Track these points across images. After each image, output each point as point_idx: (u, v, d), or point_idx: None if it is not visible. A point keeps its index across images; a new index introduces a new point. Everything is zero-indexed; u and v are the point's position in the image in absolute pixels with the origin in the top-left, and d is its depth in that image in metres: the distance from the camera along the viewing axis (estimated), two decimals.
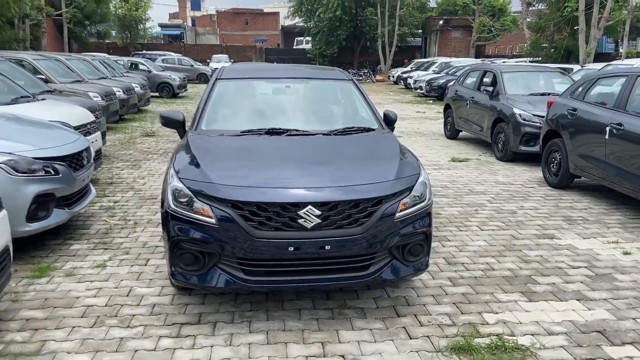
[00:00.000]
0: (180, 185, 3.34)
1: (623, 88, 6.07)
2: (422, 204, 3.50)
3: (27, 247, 4.61)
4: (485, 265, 4.45)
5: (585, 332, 3.36)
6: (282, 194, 3.23)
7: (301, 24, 43.94)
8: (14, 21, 23.41)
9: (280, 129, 4.06)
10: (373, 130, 4.31)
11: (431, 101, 21.23)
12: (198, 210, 3.25)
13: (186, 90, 22.96)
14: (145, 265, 4.38)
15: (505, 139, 9.01)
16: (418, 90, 24.18)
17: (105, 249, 4.73)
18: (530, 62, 25.77)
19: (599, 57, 25.28)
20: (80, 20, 32.70)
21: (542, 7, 30.61)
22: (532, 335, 3.32)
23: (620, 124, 5.79)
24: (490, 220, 5.69)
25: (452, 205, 6.25)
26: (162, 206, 3.50)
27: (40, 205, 4.41)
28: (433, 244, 4.27)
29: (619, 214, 5.97)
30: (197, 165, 3.51)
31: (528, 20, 29.04)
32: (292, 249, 3.20)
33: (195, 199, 3.26)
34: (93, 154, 5.46)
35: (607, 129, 5.96)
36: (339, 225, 3.24)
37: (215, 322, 3.45)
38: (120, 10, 39.81)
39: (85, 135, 6.35)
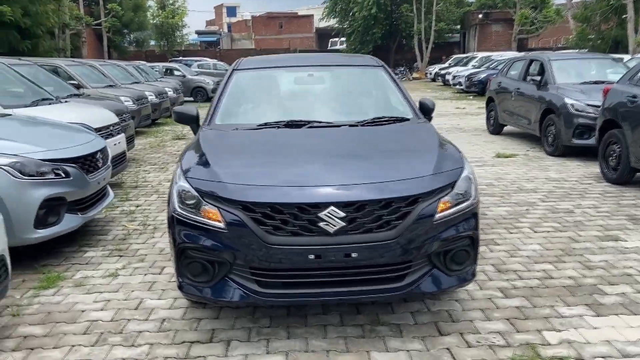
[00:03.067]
0: (186, 185, 2.94)
1: None
2: (467, 203, 2.98)
3: (39, 254, 4.33)
4: (542, 272, 3.87)
5: None
6: (299, 194, 2.78)
7: (336, 25, 43.54)
8: (54, 31, 23.90)
9: (300, 120, 3.61)
10: (407, 120, 3.80)
11: (471, 97, 20.39)
12: (206, 213, 2.84)
13: None
14: (160, 274, 4.01)
15: (556, 132, 8.29)
16: (457, 86, 23.33)
17: (120, 256, 4.40)
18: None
19: None
20: (118, 29, 33.24)
21: None
22: (603, 358, 2.75)
23: None
24: (544, 221, 5.08)
25: (499, 205, 5.65)
26: (167, 212, 3.11)
27: (50, 210, 4.11)
28: (480, 249, 3.72)
29: None
30: (207, 163, 3.10)
31: (573, 10, 27.68)
32: (313, 257, 2.74)
33: (202, 201, 2.85)
34: (110, 155, 5.15)
35: None
36: (367, 229, 2.76)
37: (229, 340, 3.03)
38: (157, 19, 40.35)
39: (107, 137, 6.10)
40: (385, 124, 3.68)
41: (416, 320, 3.21)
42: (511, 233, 4.78)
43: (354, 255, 2.75)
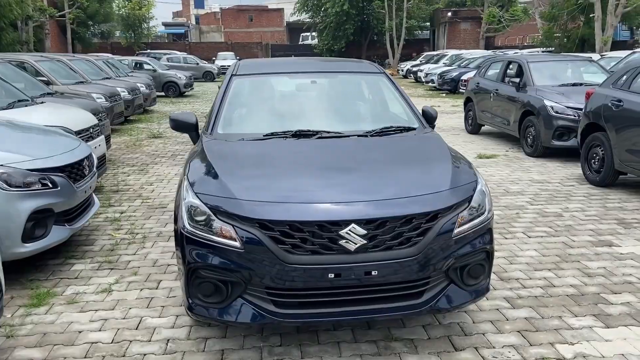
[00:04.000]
0: (196, 201, 2.81)
1: None
2: (482, 217, 2.95)
3: (24, 268, 4.12)
4: (544, 280, 3.90)
5: None
6: (319, 211, 2.69)
7: (308, 19, 43.35)
8: (16, 23, 23.00)
9: (309, 130, 3.51)
10: (414, 129, 3.75)
11: (444, 94, 20.59)
12: (218, 231, 2.72)
13: (193, 89, 22.45)
14: (157, 288, 3.86)
15: (536, 133, 8.42)
16: (429, 84, 23.52)
17: (111, 269, 4.22)
18: (542, 52, 25.07)
19: (614, 45, 24.53)
20: (83, 20, 32.24)
21: None
22: None
23: None
24: (536, 226, 5.13)
25: None
26: (175, 222, 2.98)
27: (38, 222, 3.90)
28: None
29: None
30: (216, 176, 2.97)
31: (540, 9, 28.28)
32: (332, 275, 2.66)
33: (214, 218, 2.73)
34: (96, 161, 4.94)
35: None
36: (387, 247, 2.70)
37: None
38: (123, 10, 39.32)
39: (87, 140, 5.86)
40: (393, 134, 3.63)
41: (429, 334, 3.17)
42: (506, 238, 4.81)
43: (374, 273, 2.69)
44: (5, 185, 3.70)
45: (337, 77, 4.34)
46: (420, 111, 4.04)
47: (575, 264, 4.21)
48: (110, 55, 23.55)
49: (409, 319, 3.33)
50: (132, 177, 7.42)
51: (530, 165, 7.92)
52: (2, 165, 3.76)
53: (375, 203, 2.75)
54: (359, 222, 2.65)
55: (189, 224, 2.80)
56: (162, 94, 20.27)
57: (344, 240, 2.64)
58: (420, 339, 3.13)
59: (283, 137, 3.49)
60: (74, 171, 4.29)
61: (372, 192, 2.84)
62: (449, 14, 38.97)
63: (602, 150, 6.49)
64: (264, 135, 3.51)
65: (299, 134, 3.49)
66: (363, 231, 2.64)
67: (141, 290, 3.83)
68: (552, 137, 8.10)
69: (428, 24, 42.00)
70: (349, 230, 2.63)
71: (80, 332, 3.25)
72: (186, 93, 21.59)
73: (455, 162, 3.22)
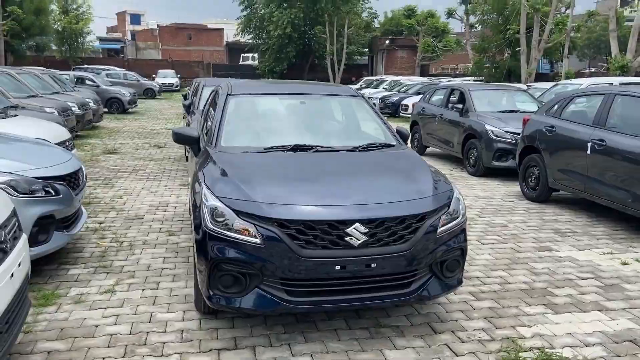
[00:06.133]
0: (218, 203, 3.20)
1: (601, 106, 6.41)
2: (459, 219, 3.53)
3: None
4: (500, 279, 4.53)
5: (618, 342, 3.47)
6: (329, 212, 3.17)
7: (250, 40, 43.88)
8: None
9: (305, 145, 3.99)
10: (392, 146, 4.33)
11: (385, 118, 21.58)
12: (239, 229, 3.13)
13: (136, 105, 22.28)
14: (157, 289, 4.16)
15: (478, 155, 9.29)
16: None
17: (107, 272, 4.46)
18: (474, 80, 26.84)
19: (537, 77, 26.73)
20: (17, 32, 31.11)
21: (484, 29, 32.12)
22: (571, 347, 3.39)
23: (602, 140, 6.10)
24: (486, 234, 5.82)
25: None
26: (196, 228, 3.33)
27: (41, 228, 4.11)
28: None
29: (602, 226, 6.25)
30: (233, 182, 3.38)
31: (472, 41, 30.32)
32: (339, 267, 3.14)
33: (237, 218, 3.13)
34: (85, 173, 5.16)
35: (589, 144, 6.26)
36: (385, 243, 3.20)
37: (254, 346, 3.31)
38: (59, 23, 38.23)
39: None
40: (376, 149, 4.17)
41: (411, 322, 3.69)
42: None
43: (373, 265, 3.18)
44: (13, 192, 3.90)
45: (322, 98, 4.86)
46: (395, 130, 4.63)
47: (524, 265, 4.88)
48: (43, 69, 22.94)
49: (392, 309, 3.84)
50: (99, 190, 7.54)
51: (474, 184, 8.74)
52: (10, 172, 3.97)
53: (375, 206, 3.26)
54: (362, 221, 3.14)
55: (212, 223, 3.19)
56: (106, 110, 19.99)
57: (349, 237, 3.12)
58: (405, 325, 3.64)
59: (282, 150, 3.94)
60: (73, 180, 4.52)
61: (371, 196, 3.34)
62: (387, 41, 40.80)
63: (537, 170, 7.36)
64: (265, 149, 3.95)
65: (297, 148, 3.96)
66: (365, 229, 3.14)
67: (143, 290, 4.12)
68: (493, 158, 8.98)
69: (367, 50, 43.71)
70: (354, 228, 3.12)
71: (96, 326, 3.51)
72: (130, 110, 21.40)
73: (433, 174, 3.79)
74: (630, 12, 40.48)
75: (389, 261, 3.21)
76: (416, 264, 3.30)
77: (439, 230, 3.36)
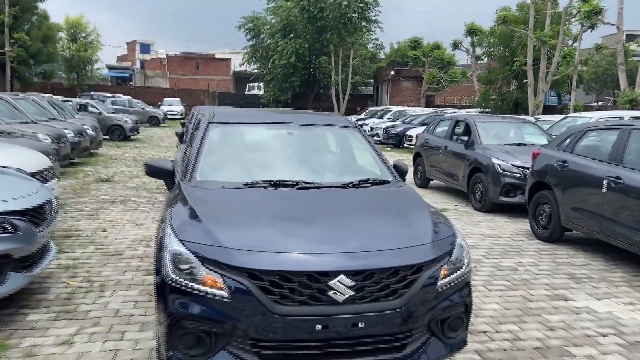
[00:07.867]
0: (182, 249, 2.76)
1: (617, 141, 5.97)
2: (462, 270, 3.05)
3: None
4: (510, 334, 4.02)
5: None
6: (308, 261, 2.71)
7: (256, 70, 44.05)
8: None
9: (289, 181, 3.55)
10: (388, 182, 3.88)
11: (389, 148, 21.25)
12: (205, 280, 2.67)
13: (138, 133, 22.06)
14: (121, 340, 3.68)
15: (484, 189, 8.82)
16: (375, 138, 24.24)
17: (70, 319, 3.99)
18: (479, 112, 26.54)
19: (544, 109, 26.38)
20: (24, 59, 31.26)
21: (491, 62, 32.01)
22: None
23: (619, 177, 5.64)
24: (494, 279, 5.31)
25: None
26: (156, 274, 2.89)
27: None
28: None
29: (620, 270, 5.73)
30: (201, 224, 2.93)
31: (478, 73, 30.15)
32: (320, 327, 2.66)
33: (201, 266, 2.68)
34: (56, 205, 4.74)
35: (605, 182, 5.80)
36: (374, 298, 2.73)
37: None
38: (67, 51, 38.51)
39: (42, 183, 5.62)
40: (369, 186, 3.73)
41: None
42: None
43: (360, 325, 2.70)
44: None
45: (312, 129, 4.44)
46: (392, 164, 4.18)
47: (537, 317, 4.37)
48: (51, 95, 22.86)
49: None
50: (83, 222, 7.12)
51: (480, 220, 8.25)
52: None
53: (363, 255, 2.80)
54: (347, 273, 2.68)
55: (173, 272, 2.73)
56: (107, 137, 19.77)
57: (332, 292, 2.65)
58: None
59: (263, 186, 3.50)
60: (36, 215, 4.10)
61: (359, 243, 2.88)
62: (392, 72, 40.74)
63: (549, 208, 6.87)
64: (244, 184, 3.52)
65: (279, 184, 3.52)
66: (351, 282, 2.67)
67: (105, 342, 3.64)
68: (500, 194, 8.51)
69: (372, 80, 43.68)
70: (338, 281, 2.65)
71: None
72: (132, 137, 21.17)
73: (433, 216, 3.33)
74: (638, 46, 40.44)
75: (379, 320, 2.73)
76: (412, 323, 2.82)
77: (439, 283, 2.89)
